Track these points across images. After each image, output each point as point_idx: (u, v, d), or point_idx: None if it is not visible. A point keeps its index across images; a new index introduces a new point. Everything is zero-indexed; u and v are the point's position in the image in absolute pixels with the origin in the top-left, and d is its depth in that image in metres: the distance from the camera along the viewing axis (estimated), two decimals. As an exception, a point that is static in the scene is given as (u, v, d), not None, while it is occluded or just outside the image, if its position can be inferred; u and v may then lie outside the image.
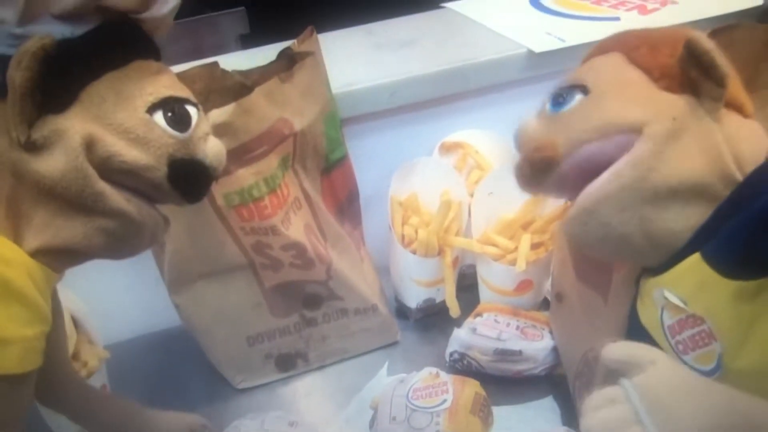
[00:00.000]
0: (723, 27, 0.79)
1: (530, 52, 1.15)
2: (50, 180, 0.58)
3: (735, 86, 0.65)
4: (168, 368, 1.09)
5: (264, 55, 0.96)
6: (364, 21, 1.33)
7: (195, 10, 1.92)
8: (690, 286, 0.61)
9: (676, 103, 0.62)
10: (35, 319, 0.58)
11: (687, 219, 0.61)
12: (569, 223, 0.67)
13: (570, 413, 0.95)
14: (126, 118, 0.60)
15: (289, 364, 1.06)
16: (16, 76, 0.55)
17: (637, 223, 0.62)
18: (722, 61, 0.60)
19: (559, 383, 0.97)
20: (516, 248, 1.03)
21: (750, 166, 0.61)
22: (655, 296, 0.64)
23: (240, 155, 0.86)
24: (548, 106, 0.70)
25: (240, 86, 0.87)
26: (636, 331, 0.68)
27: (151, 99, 0.62)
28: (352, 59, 1.18)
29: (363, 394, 1.03)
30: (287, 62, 0.93)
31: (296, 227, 0.94)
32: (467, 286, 1.14)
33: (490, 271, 1.06)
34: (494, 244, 1.05)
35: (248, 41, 1.96)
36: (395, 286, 1.16)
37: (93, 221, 0.61)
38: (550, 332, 1.00)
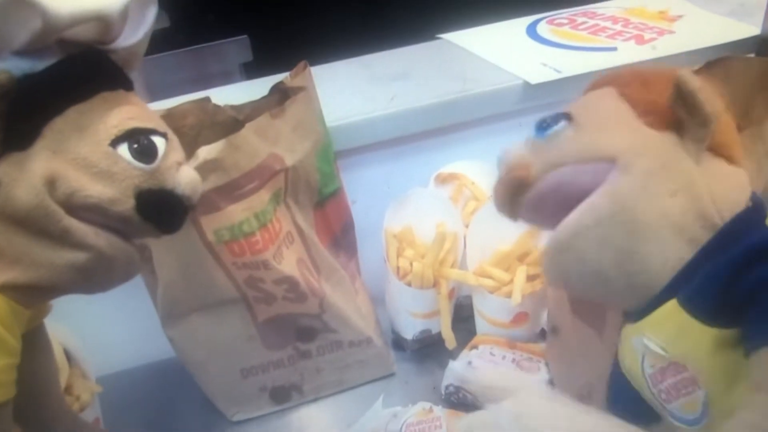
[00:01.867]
0: (717, 59, 0.79)
1: (526, 84, 1.15)
2: (15, 218, 0.58)
3: (726, 133, 0.65)
4: (162, 400, 1.09)
5: (265, 86, 0.96)
6: (363, 50, 1.33)
7: (198, 39, 1.93)
8: (669, 332, 0.60)
9: (658, 139, 0.62)
10: (0, 352, 0.58)
11: (665, 259, 0.60)
12: (546, 258, 0.67)
13: (565, 447, 0.94)
14: (89, 153, 0.60)
15: (283, 396, 1.06)
16: None
17: (613, 259, 0.61)
18: (709, 102, 0.60)
19: (555, 417, 0.97)
20: (512, 280, 1.03)
21: (730, 213, 0.60)
22: (635, 344, 0.63)
23: (230, 191, 0.86)
24: (534, 132, 0.70)
25: (232, 121, 0.87)
26: (618, 378, 0.68)
27: (115, 132, 0.61)
28: (347, 92, 1.18)
29: (358, 427, 1.02)
30: (279, 97, 0.93)
31: (288, 261, 0.94)
32: (464, 317, 1.13)
33: (486, 303, 1.06)
34: (490, 277, 1.04)
35: (251, 69, 1.97)
36: (391, 318, 1.15)
37: (61, 257, 0.60)
38: (547, 365, 1.00)
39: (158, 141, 0.64)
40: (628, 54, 1.20)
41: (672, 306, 0.60)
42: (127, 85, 0.66)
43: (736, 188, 0.62)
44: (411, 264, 1.05)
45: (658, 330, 0.61)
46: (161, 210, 0.64)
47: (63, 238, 0.59)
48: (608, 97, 0.68)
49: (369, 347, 1.06)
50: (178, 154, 0.66)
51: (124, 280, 0.70)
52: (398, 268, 1.07)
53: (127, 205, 0.61)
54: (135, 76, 0.69)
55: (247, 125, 0.86)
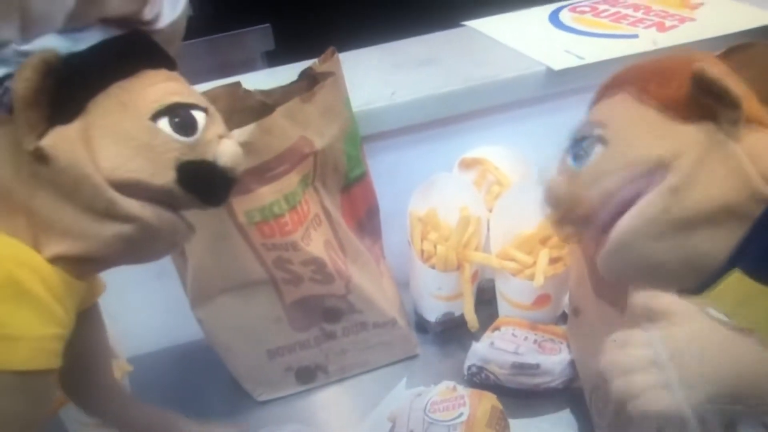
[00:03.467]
0: (739, 45, 0.80)
1: (549, 70, 1.16)
2: (62, 190, 0.60)
3: (751, 103, 0.65)
4: (189, 381, 1.11)
5: (289, 73, 0.97)
6: (386, 37, 1.35)
7: (221, 28, 1.94)
8: (732, 302, 0.61)
9: (696, 132, 0.64)
10: (47, 321, 0.60)
11: (722, 240, 0.62)
12: (605, 259, 0.69)
13: (587, 427, 0.96)
14: (130, 127, 0.62)
15: (308, 376, 1.08)
16: (18, 87, 0.57)
17: (673, 250, 0.64)
18: (733, 84, 0.61)
19: (576, 397, 0.98)
20: (534, 263, 1.04)
21: None
22: None
23: (261, 173, 0.87)
24: (570, 161, 0.71)
25: (261, 106, 0.88)
26: None
27: (155, 106, 0.63)
28: (373, 78, 1.20)
29: (382, 407, 1.04)
30: (308, 82, 0.95)
31: (316, 243, 0.95)
32: (486, 300, 1.15)
33: (509, 286, 1.07)
34: (513, 259, 1.06)
35: (273, 58, 1.98)
36: (415, 300, 1.17)
37: (108, 228, 0.62)
38: (568, 346, 1.01)
39: (198, 115, 0.65)
40: (650, 41, 1.21)
41: (733, 278, 0.62)
42: (169, 65, 0.68)
43: None
44: (435, 247, 1.06)
45: (722, 301, 0.62)
46: (203, 181, 0.65)
47: (109, 210, 0.61)
48: (629, 105, 0.69)
49: (393, 329, 1.08)
50: (219, 127, 0.68)
51: (172, 250, 0.72)
52: (422, 251, 1.08)
53: (168, 177, 0.63)
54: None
55: (278, 109, 0.87)
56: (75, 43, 0.64)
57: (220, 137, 0.67)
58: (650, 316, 0.58)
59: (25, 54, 0.60)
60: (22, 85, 0.57)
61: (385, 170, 1.13)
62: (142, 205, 0.63)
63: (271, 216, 0.90)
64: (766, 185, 0.61)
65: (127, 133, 0.61)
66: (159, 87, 0.64)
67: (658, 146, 0.64)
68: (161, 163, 0.62)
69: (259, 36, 2.00)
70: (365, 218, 1.08)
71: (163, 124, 0.62)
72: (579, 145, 0.70)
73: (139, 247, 0.66)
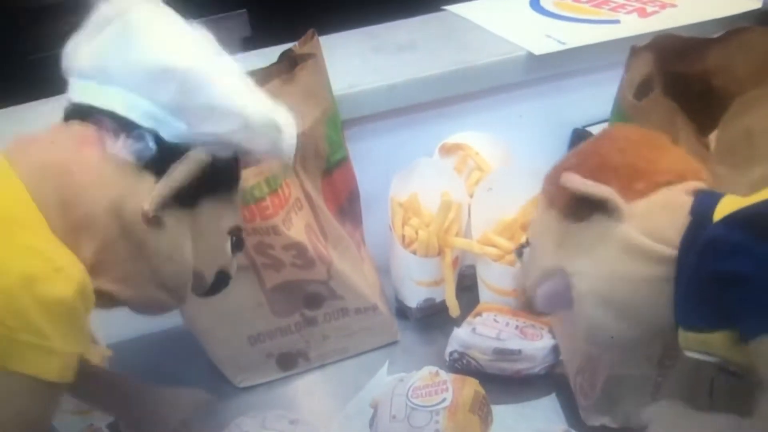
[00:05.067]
0: (735, 30, 0.82)
1: (530, 55, 1.16)
2: (150, 250, 0.67)
3: (674, 160, 0.69)
4: (170, 367, 1.09)
5: (266, 57, 0.96)
6: (364, 24, 1.34)
7: (196, 13, 1.92)
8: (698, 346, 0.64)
9: (587, 228, 0.69)
10: (81, 341, 0.62)
11: (655, 303, 0.65)
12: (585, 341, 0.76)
13: (569, 412, 0.96)
14: (215, 233, 0.73)
15: (290, 363, 1.07)
16: (183, 171, 0.65)
17: (622, 328, 0.69)
18: (596, 188, 0.67)
19: (559, 383, 0.99)
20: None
21: (676, 238, 0.64)
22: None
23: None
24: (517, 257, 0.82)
25: (241, 88, 0.87)
26: None
27: (231, 224, 0.74)
28: (353, 62, 1.19)
29: (363, 393, 1.04)
30: (289, 64, 0.94)
31: (297, 227, 0.95)
32: (467, 286, 1.15)
33: (490, 272, 1.07)
34: (494, 245, 1.06)
35: (250, 44, 1.95)
36: (396, 286, 1.16)
37: (160, 294, 0.70)
38: (550, 332, 1.01)
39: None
40: (631, 27, 1.21)
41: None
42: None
43: (668, 217, 0.65)
44: (416, 232, 1.06)
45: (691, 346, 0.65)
46: (220, 287, 0.78)
47: (177, 287, 0.71)
48: (543, 209, 0.76)
49: (375, 314, 1.07)
50: None
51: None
52: (403, 236, 1.08)
53: (210, 278, 0.75)
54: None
55: (258, 91, 0.86)
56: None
57: None
58: None
59: (178, 135, 0.66)
60: (189, 172, 0.66)
61: (365, 155, 1.12)
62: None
63: (252, 199, 0.89)
64: (664, 247, 0.64)
65: (210, 238, 0.73)
66: (235, 208, 0.75)
67: (557, 256, 0.72)
68: (216, 265, 0.75)
69: (236, 22, 1.98)
70: (346, 203, 1.08)
71: (228, 239, 0.75)
72: (519, 252, 0.81)
73: (156, 310, 0.73)
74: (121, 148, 0.64)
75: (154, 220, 0.65)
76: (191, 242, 0.70)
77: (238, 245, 0.76)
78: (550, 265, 0.73)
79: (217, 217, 0.72)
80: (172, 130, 0.65)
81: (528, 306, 0.79)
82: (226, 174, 0.72)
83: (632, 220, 0.66)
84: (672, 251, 0.63)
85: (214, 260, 0.74)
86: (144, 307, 0.72)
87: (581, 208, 0.69)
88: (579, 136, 1.21)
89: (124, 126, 0.64)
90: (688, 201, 0.65)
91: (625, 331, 0.68)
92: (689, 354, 0.64)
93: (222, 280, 0.77)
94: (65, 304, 0.58)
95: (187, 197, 0.67)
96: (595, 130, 1.11)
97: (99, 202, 0.64)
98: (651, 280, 0.65)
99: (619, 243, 0.66)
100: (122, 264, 0.66)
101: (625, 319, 0.68)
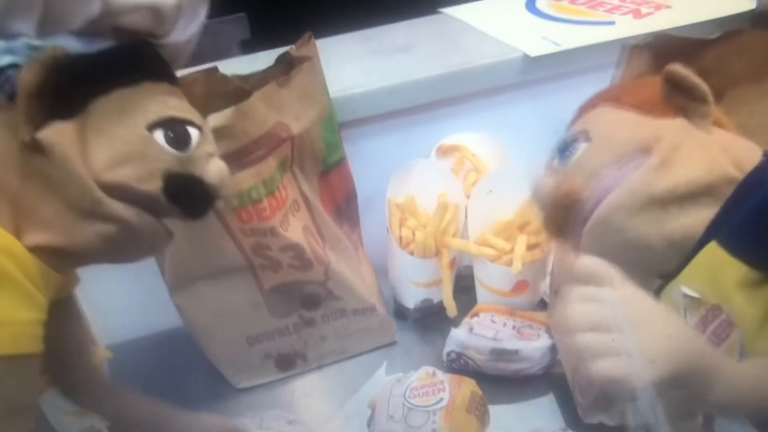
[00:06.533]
0: (731, 31, 0.83)
1: (526, 56, 1.16)
2: (51, 184, 0.61)
3: (717, 111, 0.71)
4: (169, 368, 1.10)
5: (264, 60, 0.97)
6: (362, 27, 1.34)
7: (196, 17, 1.92)
8: (703, 276, 0.65)
9: (670, 124, 0.69)
10: (28, 306, 0.61)
11: (698, 217, 0.66)
12: (586, 237, 0.71)
13: (567, 412, 0.97)
14: (126, 133, 0.64)
15: (288, 363, 1.08)
16: (24, 78, 0.59)
17: (653, 224, 0.67)
18: (701, 82, 0.67)
19: (556, 383, 0.99)
20: (512, 249, 1.05)
21: (748, 167, 0.66)
22: (675, 297, 0.67)
23: (239, 158, 0.87)
24: (556, 160, 0.75)
25: (239, 90, 0.88)
26: None
27: (153, 117, 0.65)
28: (350, 64, 1.19)
29: (361, 394, 1.04)
30: (285, 67, 0.94)
31: (294, 229, 0.95)
32: (464, 287, 1.15)
33: (487, 272, 1.08)
34: (491, 246, 1.06)
35: (249, 47, 1.96)
36: (393, 287, 1.17)
37: (92, 225, 0.64)
38: (547, 332, 1.02)
39: (193, 132, 0.68)
40: (626, 28, 1.21)
41: (706, 250, 0.65)
42: (171, 79, 0.71)
43: (746, 147, 0.68)
44: (413, 233, 1.07)
45: (695, 276, 0.66)
46: (187, 194, 0.68)
47: (94, 209, 0.63)
48: (608, 112, 0.74)
49: (372, 315, 1.08)
50: (210, 146, 0.70)
51: (151, 254, 0.73)
52: (401, 237, 1.08)
53: (155, 185, 0.65)
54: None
55: (255, 94, 0.87)
56: (86, 45, 0.67)
57: (210, 155, 0.70)
58: (593, 281, 0.60)
59: (36, 48, 0.63)
60: (28, 76, 0.59)
61: (362, 157, 1.13)
62: (126, 207, 0.64)
63: (249, 201, 0.90)
64: (735, 169, 0.66)
65: (122, 138, 0.64)
66: (159, 99, 0.67)
67: (639, 134, 0.69)
68: (150, 171, 0.65)
69: (235, 25, 1.98)
70: (343, 204, 1.08)
71: (158, 135, 0.65)
72: (564, 148, 0.74)
73: (118, 247, 0.67)
74: None
75: (33, 144, 0.60)
76: (96, 153, 0.62)
77: (178, 140, 0.66)
78: (634, 141, 0.69)
79: (118, 116, 0.64)
80: (25, 50, 0.63)
81: (574, 209, 0.72)
82: (118, 65, 0.66)
83: (714, 137, 0.68)
84: (737, 176, 0.65)
85: (140, 166, 0.64)
86: (94, 251, 0.65)
87: (663, 107, 0.70)
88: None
89: None
90: (755, 146, 0.68)
91: (648, 231, 0.67)
92: (681, 288, 0.65)
93: (182, 186, 0.67)
94: None
95: (63, 105, 0.62)
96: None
97: None
98: (709, 190, 0.66)
99: (698, 147, 0.67)
100: (38, 209, 0.62)
101: (661, 215, 0.67)
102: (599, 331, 0.57)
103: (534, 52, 1.15)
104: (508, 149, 1.16)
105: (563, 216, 0.74)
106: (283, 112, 0.91)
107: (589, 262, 0.60)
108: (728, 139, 0.69)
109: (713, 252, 0.64)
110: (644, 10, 1.27)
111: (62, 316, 0.74)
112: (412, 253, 1.06)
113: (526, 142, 1.20)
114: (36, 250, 0.62)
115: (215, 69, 0.90)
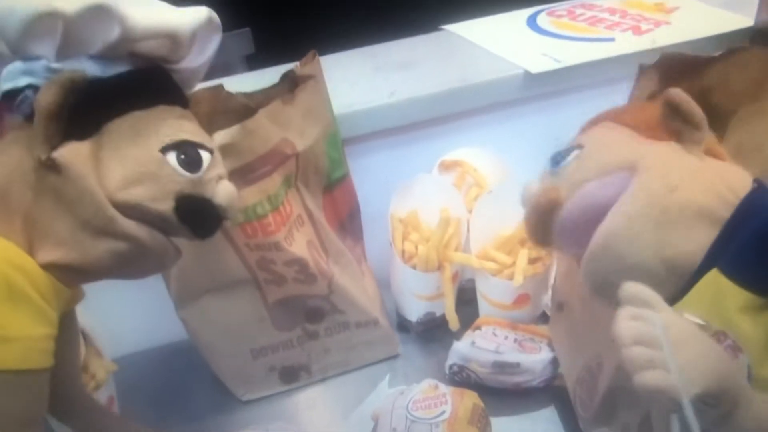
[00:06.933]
0: (733, 49, 0.84)
1: (527, 73, 1.17)
2: (65, 201, 0.63)
3: (710, 139, 0.72)
4: (174, 381, 1.11)
5: (269, 76, 0.98)
6: (365, 43, 1.36)
7: (201, 31, 1.93)
8: (707, 302, 0.65)
9: (664, 146, 0.70)
10: (40, 321, 0.62)
11: (697, 241, 0.66)
12: (585, 264, 0.72)
13: (568, 425, 0.97)
14: (139, 155, 0.66)
15: (292, 376, 1.09)
16: (42, 99, 0.61)
17: (649, 250, 0.67)
18: (698, 109, 0.69)
19: (557, 395, 1.00)
20: (514, 263, 1.06)
21: (742, 192, 0.66)
22: None
23: (244, 174, 0.88)
24: (548, 168, 0.77)
25: (244, 108, 0.89)
26: None
27: (167, 140, 0.67)
28: (354, 80, 1.21)
29: (364, 406, 1.05)
30: (290, 85, 0.95)
31: (299, 243, 0.96)
32: (467, 300, 1.16)
33: (489, 286, 1.09)
34: (492, 260, 1.07)
35: (254, 62, 1.97)
36: (396, 300, 1.18)
37: (104, 243, 0.65)
38: (548, 345, 1.02)
39: (204, 155, 0.70)
40: (626, 45, 1.22)
41: (708, 277, 0.65)
42: (183, 103, 0.73)
43: (739, 174, 0.69)
44: (416, 247, 1.08)
45: (698, 303, 0.66)
46: (198, 215, 0.70)
47: (107, 227, 0.64)
48: (609, 127, 0.75)
49: (375, 328, 1.09)
50: (220, 169, 0.72)
51: (160, 271, 0.77)
52: (403, 251, 1.09)
53: (167, 205, 0.67)
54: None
55: (260, 111, 0.88)
56: (103, 69, 0.68)
57: (220, 178, 0.72)
58: (638, 304, 0.61)
59: (55, 71, 0.63)
60: (47, 97, 0.61)
61: (366, 172, 1.14)
62: (138, 225, 0.66)
63: (254, 216, 0.91)
64: (731, 193, 0.67)
65: (136, 159, 0.65)
66: (172, 122, 0.69)
67: (626, 151, 0.71)
68: (163, 192, 0.66)
69: (239, 40, 1.99)
70: (347, 219, 1.09)
71: (171, 157, 0.67)
72: (556, 158, 0.76)
73: (129, 264, 0.68)
74: (14, 119, 0.64)
75: (49, 162, 0.62)
76: (110, 173, 0.64)
77: (190, 163, 0.68)
78: (624, 157, 0.71)
79: (132, 138, 0.66)
80: (44, 73, 0.64)
81: (548, 209, 0.74)
82: (133, 89, 0.68)
83: (707, 164, 0.69)
84: (734, 201, 0.66)
85: (152, 186, 0.66)
86: (105, 267, 0.67)
87: (659, 130, 0.71)
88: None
89: (12, 98, 0.63)
90: (746, 173, 0.69)
91: (647, 256, 0.67)
92: (690, 317, 0.65)
93: (193, 207, 0.68)
94: (4, 287, 0.58)
95: (79, 126, 0.64)
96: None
97: (4, 174, 0.64)
98: (705, 215, 0.66)
99: (692, 171, 0.68)
100: (51, 226, 0.64)
101: (659, 239, 0.67)
102: (645, 346, 0.58)
103: (535, 69, 1.17)
104: (509, 164, 1.17)
105: (547, 222, 0.76)
106: (288, 129, 0.93)
107: (634, 288, 0.61)
108: (720, 166, 0.70)
109: (715, 278, 0.65)
110: (644, 26, 1.29)
111: (62, 333, 0.75)
112: (414, 267, 1.07)
113: (527, 157, 1.21)
114: (48, 267, 0.63)
115: (221, 87, 0.91)
